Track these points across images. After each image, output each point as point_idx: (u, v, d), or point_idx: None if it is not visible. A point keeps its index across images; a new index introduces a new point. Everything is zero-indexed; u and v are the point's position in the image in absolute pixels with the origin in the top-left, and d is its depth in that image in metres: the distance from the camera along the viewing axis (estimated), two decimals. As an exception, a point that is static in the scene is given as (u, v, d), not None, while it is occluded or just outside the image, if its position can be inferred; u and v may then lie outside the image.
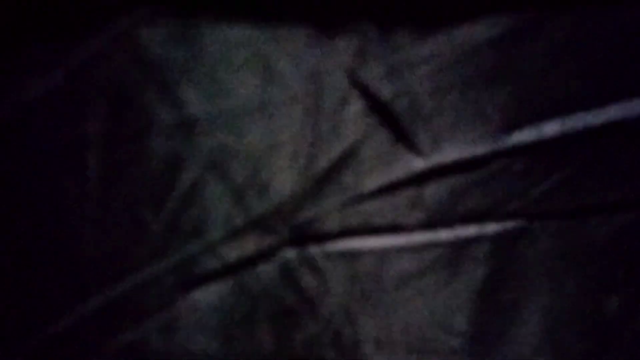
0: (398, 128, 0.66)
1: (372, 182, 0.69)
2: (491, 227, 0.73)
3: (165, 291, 0.68)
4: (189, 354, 0.70)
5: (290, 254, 0.71)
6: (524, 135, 0.70)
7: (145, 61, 0.59)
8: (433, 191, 0.70)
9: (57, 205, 0.61)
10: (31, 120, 0.58)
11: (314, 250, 0.71)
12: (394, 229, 0.71)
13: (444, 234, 0.73)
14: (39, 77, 0.57)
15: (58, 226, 0.62)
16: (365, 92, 0.64)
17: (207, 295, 0.70)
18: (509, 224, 0.73)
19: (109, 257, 0.65)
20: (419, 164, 0.68)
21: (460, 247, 0.73)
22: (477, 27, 0.65)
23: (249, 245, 0.69)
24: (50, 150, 0.59)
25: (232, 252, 0.69)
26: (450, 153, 0.68)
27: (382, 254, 0.72)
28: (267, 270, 0.71)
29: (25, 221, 0.61)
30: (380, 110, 0.66)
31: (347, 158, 0.67)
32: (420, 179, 0.69)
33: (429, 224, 0.72)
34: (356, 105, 0.65)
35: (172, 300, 0.69)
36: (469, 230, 0.73)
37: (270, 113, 0.64)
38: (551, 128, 0.69)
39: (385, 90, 0.64)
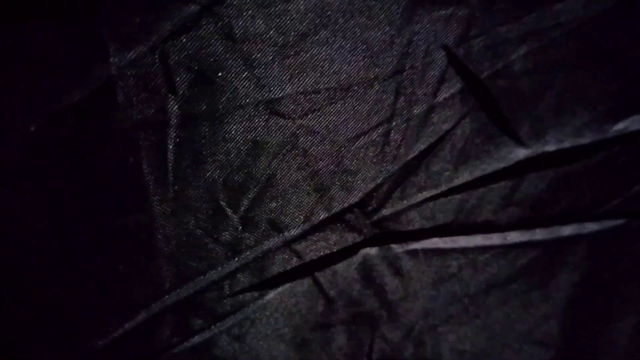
0: (497, 112, 0.60)
1: (464, 174, 0.63)
2: (590, 227, 0.67)
3: (237, 292, 0.62)
4: (259, 362, 0.64)
5: (371, 252, 0.65)
6: (629, 124, 0.63)
7: (230, 35, 0.54)
8: (531, 185, 0.64)
9: (135, 194, 0.55)
10: (113, 93, 0.53)
11: (397, 248, 0.65)
12: (487, 227, 0.65)
13: (539, 234, 0.66)
14: (124, 49, 0.52)
15: (134, 215, 0.57)
16: (464, 70, 0.58)
17: (282, 297, 0.63)
18: (609, 223, 0.67)
19: (184, 252, 0.59)
20: (519, 153, 0.62)
21: (556, 248, 0.67)
22: (583, 1, 0.59)
23: (329, 241, 0.63)
24: (130, 129, 0.54)
25: (311, 250, 0.63)
26: (552, 142, 0.62)
27: (472, 255, 0.66)
28: (345, 269, 0.64)
29: (104, 208, 0.55)
30: (478, 93, 0.60)
31: (439, 146, 0.61)
32: (518, 171, 0.63)
33: (525, 223, 0.65)
34: (453, 86, 0.59)
35: (245, 302, 0.63)
36: (567, 230, 0.66)
37: (359, 93, 0.58)
38: (659, 116, 0.63)
39: (484, 69, 0.59)
